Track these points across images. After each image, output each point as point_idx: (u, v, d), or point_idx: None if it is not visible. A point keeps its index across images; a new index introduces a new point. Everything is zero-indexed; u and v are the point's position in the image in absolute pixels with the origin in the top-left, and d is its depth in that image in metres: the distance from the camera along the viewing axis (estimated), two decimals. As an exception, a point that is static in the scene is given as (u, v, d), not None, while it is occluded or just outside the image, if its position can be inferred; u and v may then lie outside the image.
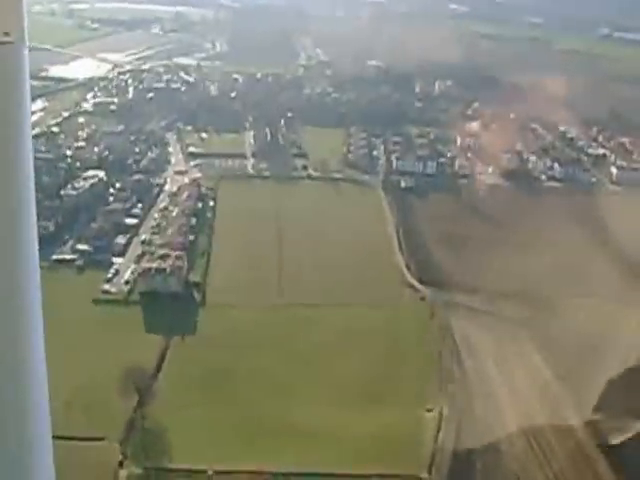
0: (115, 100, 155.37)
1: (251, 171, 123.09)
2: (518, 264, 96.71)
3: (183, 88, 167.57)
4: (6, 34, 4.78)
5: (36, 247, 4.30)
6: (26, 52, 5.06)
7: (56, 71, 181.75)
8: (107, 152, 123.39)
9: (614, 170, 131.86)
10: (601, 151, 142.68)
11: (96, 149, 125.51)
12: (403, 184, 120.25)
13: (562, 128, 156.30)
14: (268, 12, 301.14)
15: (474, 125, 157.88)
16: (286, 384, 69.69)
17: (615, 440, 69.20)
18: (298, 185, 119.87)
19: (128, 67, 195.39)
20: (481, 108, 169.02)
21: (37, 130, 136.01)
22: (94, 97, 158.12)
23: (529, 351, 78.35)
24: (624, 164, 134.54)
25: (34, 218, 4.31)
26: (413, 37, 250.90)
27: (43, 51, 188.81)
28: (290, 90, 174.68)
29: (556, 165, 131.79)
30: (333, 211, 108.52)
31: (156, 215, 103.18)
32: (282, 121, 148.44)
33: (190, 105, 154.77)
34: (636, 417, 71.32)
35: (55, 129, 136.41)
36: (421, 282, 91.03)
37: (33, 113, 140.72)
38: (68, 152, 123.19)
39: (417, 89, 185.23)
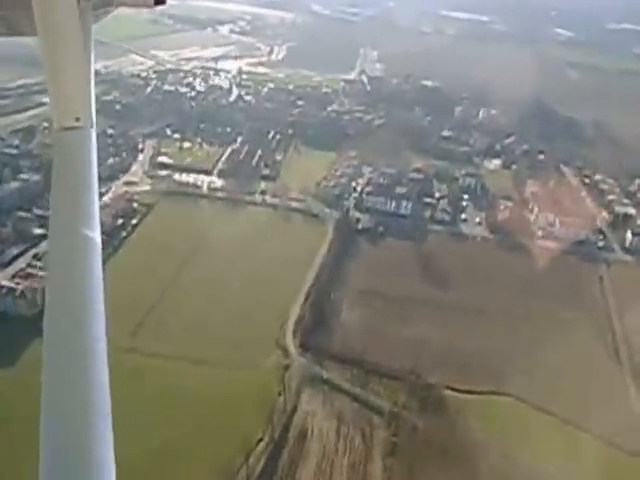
0: (124, 100, 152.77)
1: (205, 190, 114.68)
2: (435, 339, 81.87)
3: (193, 93, 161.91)
4: (77, 119, 4.95)
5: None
6: (94, 135, 5.10)
7: (95, 65, 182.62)
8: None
9: (629, 235, 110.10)
10: (629, 210, 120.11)
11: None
12: (360, 225, 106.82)
13: (597, 177, 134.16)
14: (351, 21, 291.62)
15: (493, 163, 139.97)
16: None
17: None
18: (245, 211, 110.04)
19: (169, 66, 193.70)
20: (514, 145, 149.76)
21: (25, 124, 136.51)
22: (108, 94, 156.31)
23: (372, 458, 64.22)
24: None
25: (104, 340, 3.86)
26: (490, 59, 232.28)
27: (98, 44, 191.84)
28: (314, 104, 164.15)
29: (557, 221, 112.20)
30: (261, 246, 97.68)
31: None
32: (277, 137, 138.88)
33: (192, 112, 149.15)
34: None
35: (45, 124, 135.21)
36: (301, 346, 78.51)
37: (40, 105, 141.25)
38: (35, 151, 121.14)
39: (455, 115, 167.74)
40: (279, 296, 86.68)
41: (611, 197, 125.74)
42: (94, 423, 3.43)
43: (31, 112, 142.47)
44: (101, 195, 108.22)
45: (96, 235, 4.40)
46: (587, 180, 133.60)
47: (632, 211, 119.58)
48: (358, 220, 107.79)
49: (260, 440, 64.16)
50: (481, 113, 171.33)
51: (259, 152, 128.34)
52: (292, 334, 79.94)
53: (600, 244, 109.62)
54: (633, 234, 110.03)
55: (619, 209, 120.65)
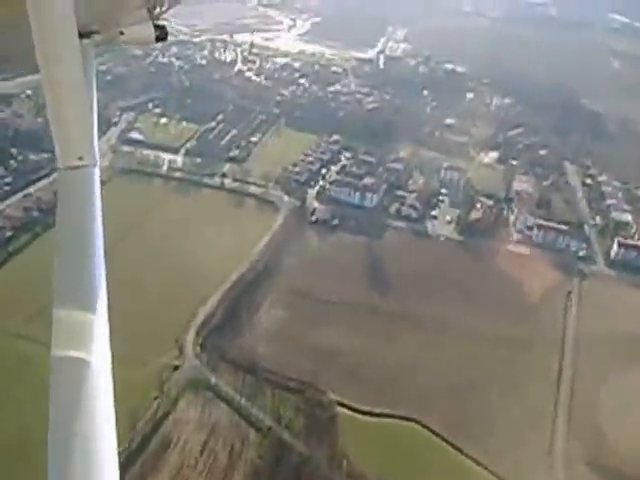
0: (116, 71, 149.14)
1: (164, 170, 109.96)
2: (352, 350, 75.02)
3: (188, 66, 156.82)
4: (80, 158, 5.07)
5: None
6: (97, 173, 5.20)
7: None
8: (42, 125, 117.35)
9: (615, 246, 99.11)
10: (625, 217, 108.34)
11: (39, 119, 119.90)
12: (315, 216, 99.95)
13: (602, 178, 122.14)
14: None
15: (489, 156, 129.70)
16: None
17: None
18: (198, 195, 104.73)
19: (182, 37, 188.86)
20: (519, 137, 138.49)
21: (6, 91, 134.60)
22: (103, 64, 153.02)
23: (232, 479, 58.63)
24: (637, 242, 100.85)
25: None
26: (527, 45, 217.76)
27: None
28: (315, 83, 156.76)
29: (537, 225, 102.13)
30: (199, 232, 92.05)
31: (8, 202, 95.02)
32: (261, 117, 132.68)
33: (182, 86, 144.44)
34: None
35: (28, 92, 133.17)
36: (201, 346, 73.17)
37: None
38: (7, 120, 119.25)
39: (465, 102, 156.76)
40: (199, 288, 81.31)
41: (610, 201, 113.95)
42: None
43: (20, 80, 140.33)
44: (52, 171, 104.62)
45: (101, 277, 4.23)
46: (589, 180, 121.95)
47: (628, 218, 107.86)
48: (314, 211, 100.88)
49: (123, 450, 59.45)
50: (495, 101, 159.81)
51: (233, 132, 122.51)
52: (195, 332, 74.62)
53: (581, 253, 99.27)
54: (619, 245, 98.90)
55: (615, 215, 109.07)
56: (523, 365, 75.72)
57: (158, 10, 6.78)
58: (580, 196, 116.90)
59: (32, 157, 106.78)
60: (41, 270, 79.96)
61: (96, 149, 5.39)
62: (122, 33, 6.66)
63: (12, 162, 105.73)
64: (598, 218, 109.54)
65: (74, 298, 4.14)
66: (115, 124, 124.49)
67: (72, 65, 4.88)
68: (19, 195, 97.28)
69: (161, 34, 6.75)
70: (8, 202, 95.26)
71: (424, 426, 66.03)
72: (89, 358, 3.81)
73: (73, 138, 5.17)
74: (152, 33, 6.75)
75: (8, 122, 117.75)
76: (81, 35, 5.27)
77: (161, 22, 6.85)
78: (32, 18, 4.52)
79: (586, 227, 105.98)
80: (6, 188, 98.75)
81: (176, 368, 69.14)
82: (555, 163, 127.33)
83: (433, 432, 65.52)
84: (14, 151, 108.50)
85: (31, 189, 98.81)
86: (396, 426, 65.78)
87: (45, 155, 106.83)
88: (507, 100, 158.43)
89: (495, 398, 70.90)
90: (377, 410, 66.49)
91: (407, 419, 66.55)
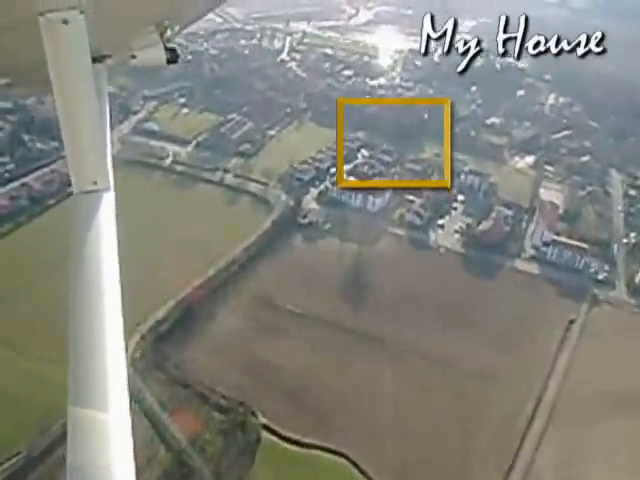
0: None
1: (167, 162, 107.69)
2: (298, 369, 69.80)
3: (225, 55, 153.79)
4: (94, 183, 5.07)
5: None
6: (112, 197, 5.18)
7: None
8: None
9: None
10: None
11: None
12: (307, 219, 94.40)
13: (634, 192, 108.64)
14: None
15: (524, 161, 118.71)
16: None
17: None
18: (193, 190, 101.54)
19: (236, 25, 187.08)
20: (564, 140, 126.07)
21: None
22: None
23: None
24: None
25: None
26: (606, 39, 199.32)
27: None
28: (358, 76, 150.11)
29: (555, 240, 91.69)
30: (178, 230, 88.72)
31: (2, 190, 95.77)
32: (286, 110, 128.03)
33: (214, 75, 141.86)
34: None
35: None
36: (141, 352, 69.79)
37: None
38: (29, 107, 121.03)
39: (514, 99, 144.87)
40: (157, 291, 77.73)
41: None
42: None
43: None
44: (53, 161, 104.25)
45: (116, 296, 4.20)
46: (633, 192, 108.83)
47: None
48: (307, 213, 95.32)
49: (18, 454, 57.50)
50: (550, 100, 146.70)
51: (249, 125, 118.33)
52: (140, 337, 71.33)
53: (600, 276, 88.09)
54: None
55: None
56: (491, 408, 67.23)
57: (169, 33, 6.63)
58: (619, 209, 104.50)
59: (39, 145, 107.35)
60: (12, 261, 79.61)
61: (110, 173, 5.27)
62: (134, 57, 6.57)
63: (21, 149, 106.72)
64: (632, 236, 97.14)
65: (90, 350, 3.88)
66: (135, 113, 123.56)
67: (85, 90, 4.81)
68: (16, 183, 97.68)
69: (172, 57, 6.59)
70: (3, 190, 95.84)
71: (354, 464, 59.75)
72: (108, 419, 3.56)
73: (87, 163, 5.04)
74: (164, 56, 6.53)
75: (30, 108, 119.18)
76: (94, 60, 5.31)
77: (171, 45, 6.78)
78: (46, 45, 4.46)
79: (615, 246, 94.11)
80: (6, 176, 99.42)
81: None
82: (599, 171, 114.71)
83: (362, 472, 59.16)
84: (26, 138, 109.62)
85: (29, 178, 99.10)
86: (322, 460, 59.98)
87: (53, 144, 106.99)
88: (563, 99, 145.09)
89: (446, 444, 63.20)
90: (306, 440, 60.82)
91: (337, 453, 60.47)
